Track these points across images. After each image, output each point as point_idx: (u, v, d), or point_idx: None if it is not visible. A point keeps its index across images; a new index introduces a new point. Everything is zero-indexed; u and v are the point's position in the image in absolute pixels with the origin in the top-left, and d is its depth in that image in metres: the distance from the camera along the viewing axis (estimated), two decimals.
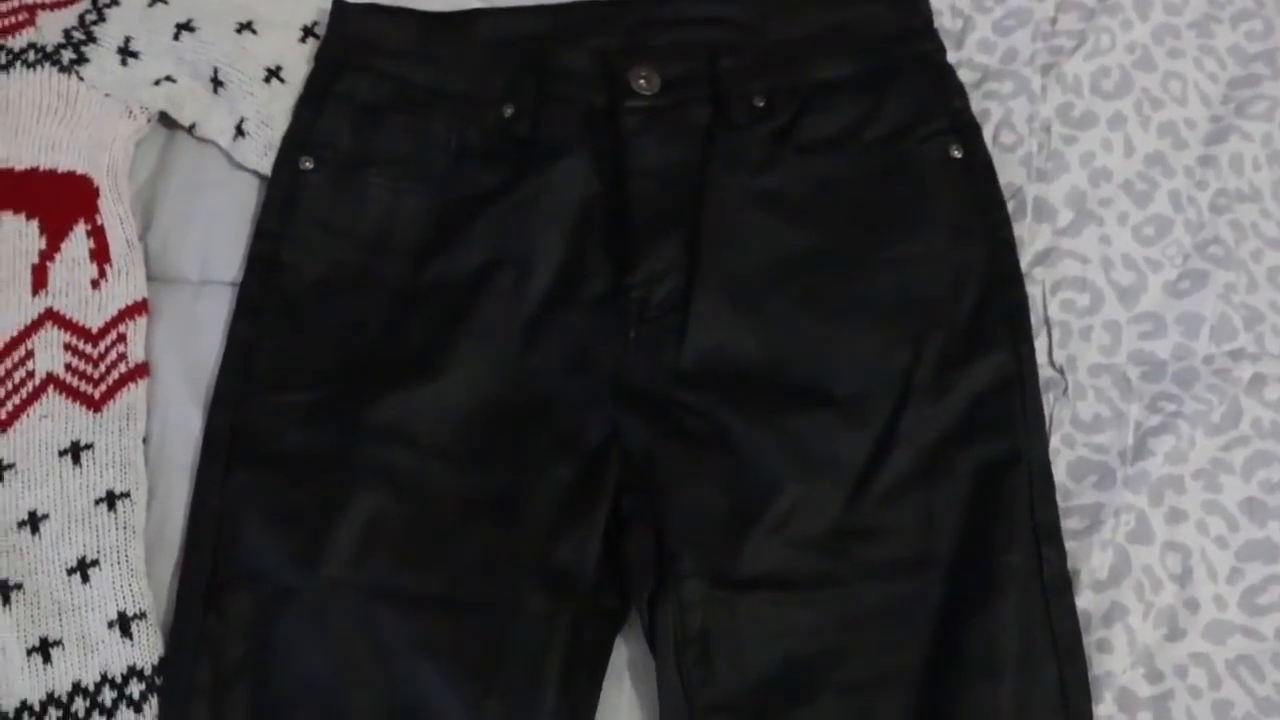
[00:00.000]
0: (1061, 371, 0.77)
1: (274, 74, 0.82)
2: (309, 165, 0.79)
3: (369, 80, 0.81)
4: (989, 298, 0.75)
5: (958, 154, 0.79)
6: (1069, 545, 0.71)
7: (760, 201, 0.78)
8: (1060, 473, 0.74)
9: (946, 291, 0.76)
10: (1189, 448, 0.74)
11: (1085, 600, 0.71)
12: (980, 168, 0.79)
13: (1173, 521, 0.73)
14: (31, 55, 0.82)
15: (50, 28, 0.83)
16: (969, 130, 0.79)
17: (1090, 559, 0.71)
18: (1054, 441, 0.75)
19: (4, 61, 0.82)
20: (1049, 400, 0.75)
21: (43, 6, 0.84)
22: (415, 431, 0.72)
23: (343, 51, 0.82)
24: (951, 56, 0.83)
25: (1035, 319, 0.77)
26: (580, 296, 0.76)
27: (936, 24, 0.84)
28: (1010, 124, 0.82)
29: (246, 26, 0.83)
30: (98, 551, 0.70)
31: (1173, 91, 0.84)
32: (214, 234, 0.80)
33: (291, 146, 0.79)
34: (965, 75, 0.84)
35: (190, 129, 0.82)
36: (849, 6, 0.84)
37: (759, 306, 0.75)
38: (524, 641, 0.68)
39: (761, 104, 0.80)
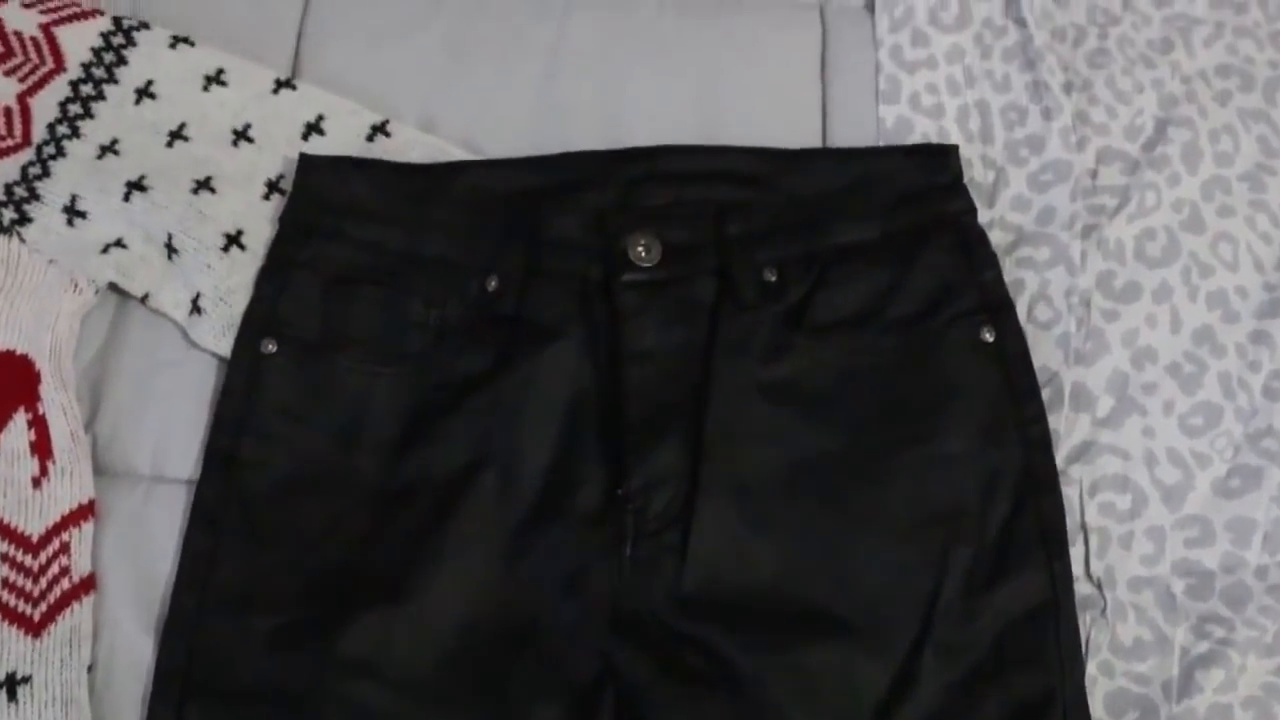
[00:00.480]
0: (1099, 586, 0.70)
1: (234, 240, 0.74)
2: (272, 348, 0.72)
3: (338, 247, 0.74)
4: (1022, 509, 0.68)
5: (989, 337, 0.71)
6: None
7: (771, 395, 0.71)
8: (1097, 706, 0.67)
9: (975, 502, 0.69)
10: (1239, 675, 0.68)
11: None
12: (1014, 354, 0.71)
13: None
14: None
15: None
16: (1002, 309, 0.72)
17: None
18: (1090, 669, 0.68)
19: None
20: (1085, 621, 0.69)
21: None
22: (390, 663, 0.66)
23: (309, 214, 0.74)
24: (983, 215, 0.76)
25: (1071, 524, 0.70)
26: (570, 506, 0.69)
27: (966, 177, 0.76)
28: (1047, 297, 0.75)
29: (204, 185, 0.76)
30: None
31: (1223, 256, 0.77)
32: (169, 422, 0.73)
33: (252, 327, 0.72)
34: (998, 237, 0.76)
35: (143, 300, 0.75)
36: (870, 159, 0.77)
37: (769, 520, 0.68)
38: None
39: (773, 278, 0.73)
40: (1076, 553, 0.70)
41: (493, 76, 0.82)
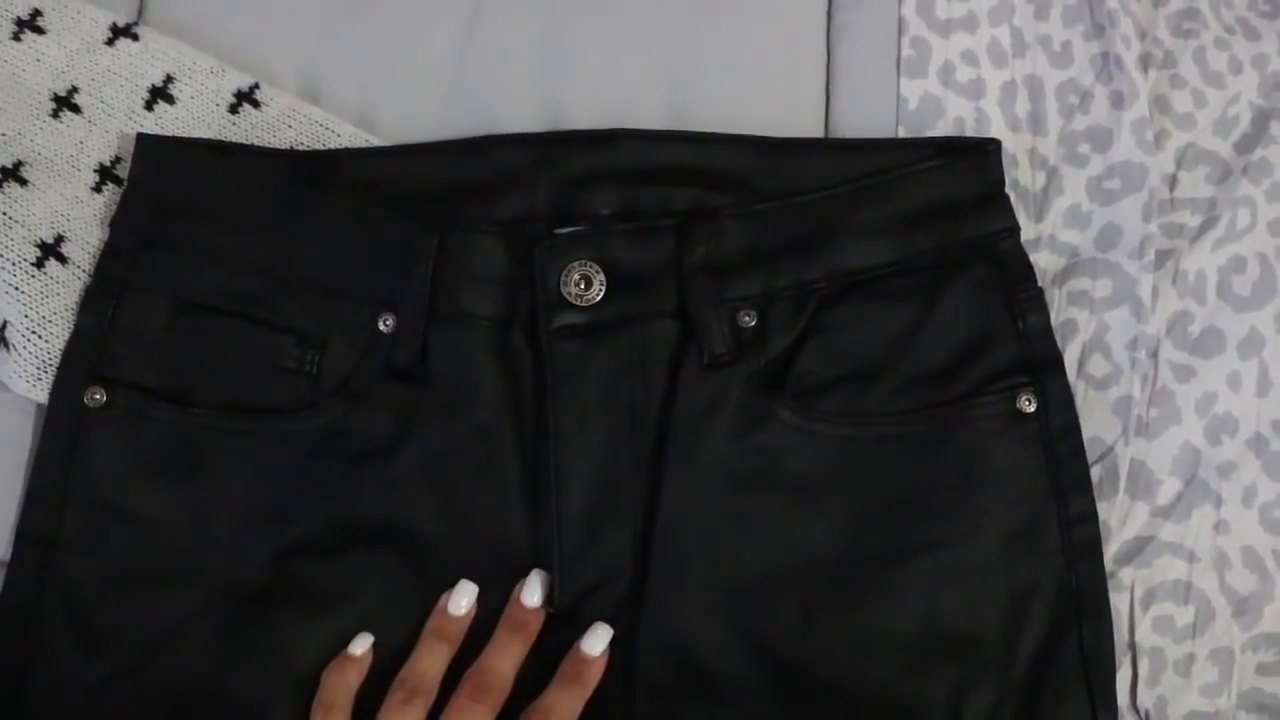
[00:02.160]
0: None
1: (50, 250, 0.58)
2: (100, 399, 0.56)
3: (188, 263, 0.57)
4: (1059, 635, 0.55)
5: (1029, 407, 0.56)
6: None
7: (744, 484, 0.56)
8: None
9: (1001, 626, 0.55)
10: None
11: None
12: (1060, 430, 0.56)
13: None
14: None
15: None
16: (1048, 368, 0.57)
17: None
18: None
19: None
20: None
21: None
22: None
23: (150, 217, 0.58)
24: (1028, 231, 0.60)
25: (1118, 643, 0.57)
26: (490, 623, 0.55)
27: (1009, 180, 0.59)
28: (1104, 346, 0.59)
29: (10, 173, 0.58)
30: None
31: None
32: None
33: (74, 370, 0.56)
34: (1046, 261, 0.61)
35: None
36: (885, 155, 0.60)
37: (737, 644, 0.55)
38: None
39: (751, 322, 0.57)
40: (1123, 678, 0.57)
41: (399, 28, 0.64)
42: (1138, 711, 0.57)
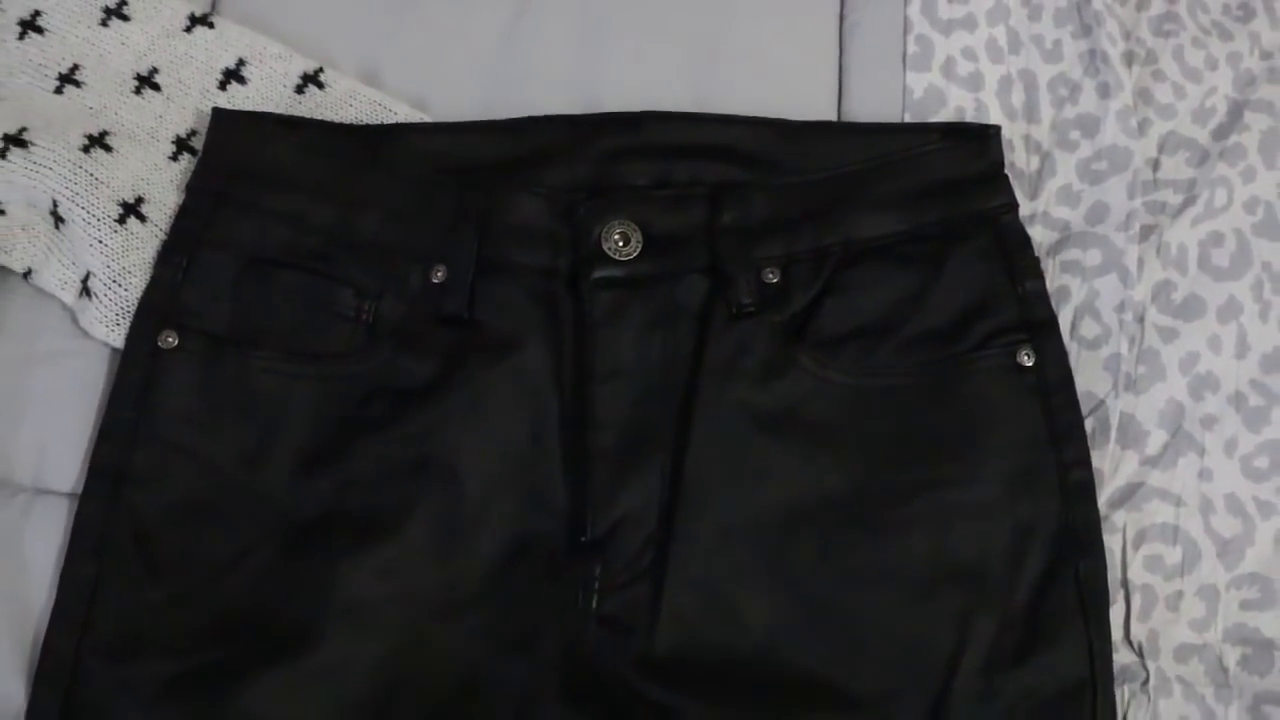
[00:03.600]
0: (1141, 654, 0.61)
1: (131, 210, 0.64)
2: (173, 342, 0.61)
3: (256, 222, 0.63)
4: (1057, 569, 0.60)
5: (1028, 361, 0.62)
6: None
7: (766, 424, 0.61)
8: None
9: (1003, 559, 0.60)
10: None
11: None
12: (1055, 382, 0.62)
13: None
14: None
15: None
16: (1044, 328, 0.63)
17: None
18: None
19: None
20: (1123, 695, 0.61)
21: None
22: None
23: (223, 181, 0.64)
24: (1024, 208, 0.67)
25: (1112, 580, 0.62)
26: (526, 550, 0.60)
27: (1007, 162, 0.66)
28: (1095, 310, 0.65)
29: (97, 141, 0.65)
30: None
31: None
32: (53, 424, 0.63)
33: (150, 316, 0.62)
34: (1040, 235, 0.67)
35: (25, 276, 0.65)
36: (894, 137, 0.67)
37: (760, 573, 0.60)
38: None
39: (774, 279, 0.63)
40: (1116, 613, 0.62)
41: (449, 21, 0.71)
42: (1131, 644, 0.62)
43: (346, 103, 0.68)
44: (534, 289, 0.63)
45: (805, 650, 0.59)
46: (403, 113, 0.68)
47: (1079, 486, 0.61)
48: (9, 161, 0.64)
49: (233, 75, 0.68)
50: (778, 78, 0.70)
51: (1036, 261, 0.64)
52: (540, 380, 0.62)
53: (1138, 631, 0.62)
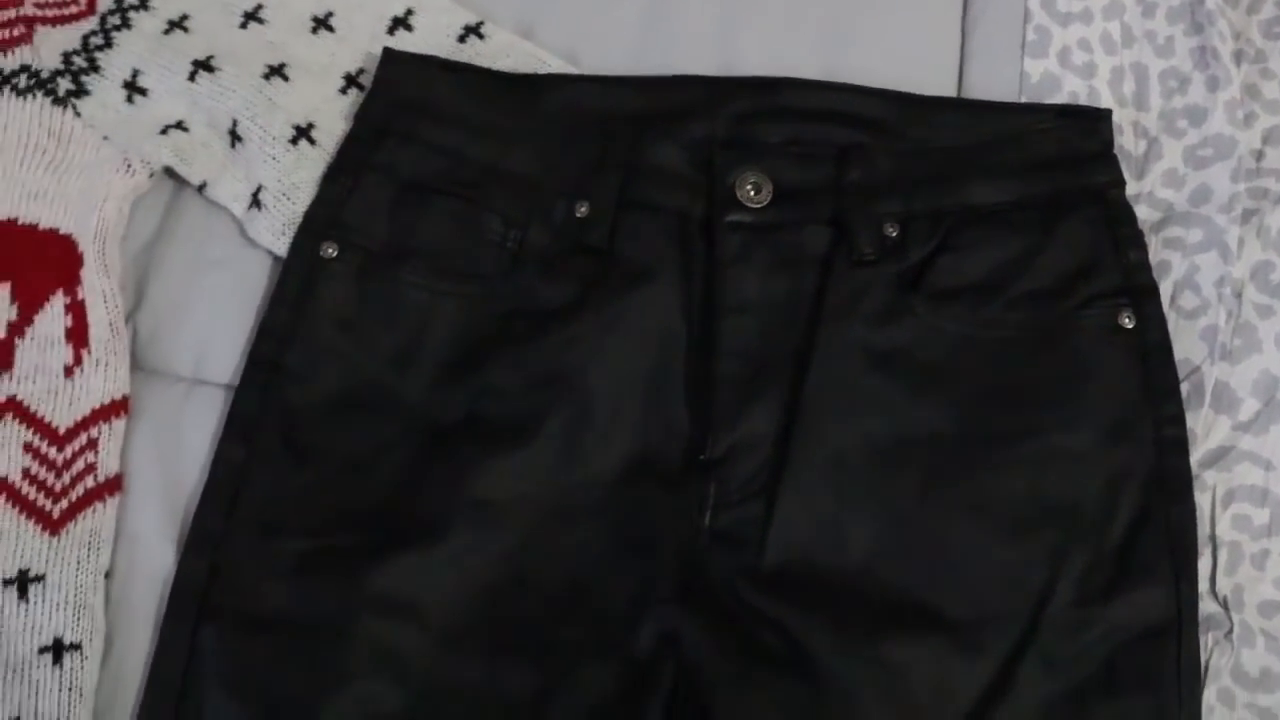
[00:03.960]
0: (1225, 606, 0.64)
1: (303, 133, 0.70)
2: (332, 253, 0.67)
3: (417, 152, 0.69)
4: (1148, 515, 0.63)
5: (1129, 323, 0.66)
6: None
7: (880, 363, 0.65)
8: None
9: (1097, 501, 0.63)
10: None
11: None
12: (1154, 344, 0.66)
13: None
14: (23, 80, 0.71)
15: (48, 47, 0.71)
16: (1145, 294, 0.66)
17: None
18: (1209, 696, 0.63)
19: None
20: (1207, 642, 0.63)
21: (41, 20, 0.72)
22: (427, 606, 0.61)
23: (388, 114, 0.70)
24: (1130, 188, 0.71)
25: (1200, 535, 0.65)
26: (647, 464, 0.64)
27: (1116, 146, 0.70)
28: (1194, 284, 0.69)
29: (277, 71, 0.71)
30: (35, 716, 0.60)
31: None
32: (215, 322, 0.69)
33: (314, 228, 0.68)
34: (1144, 213, 0.71)
35: (200, 189, 0.71)
36: (1011, 115, 0.71)
37: (866, 499, 0.63)
38: None
39: (894, 233, 0.67)
40: (1203, 566, 0.65)
41: None
42: (1216, 596, 0.65)
43: (504, 53, 0.74)
44: (670, 228, 0.68)
45: (904, 573, 0.62)
46: (555, 65, 0.74)
47: (1173, 441, 0.64)
48: (196, 84, 0.71)
49: (400, 23, 0.74)
50: (904, 60, 0.75)
51: (1140, 234, 0.68)
52: (670, 310, 0.66)
53: (1223, 585, 0.65)
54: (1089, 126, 0.70)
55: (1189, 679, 0.61)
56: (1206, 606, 0.64)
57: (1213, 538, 0.65)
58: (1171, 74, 0.74)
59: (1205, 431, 0.67)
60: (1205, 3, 0.74)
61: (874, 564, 0.63)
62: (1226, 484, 0.66)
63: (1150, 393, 0.65)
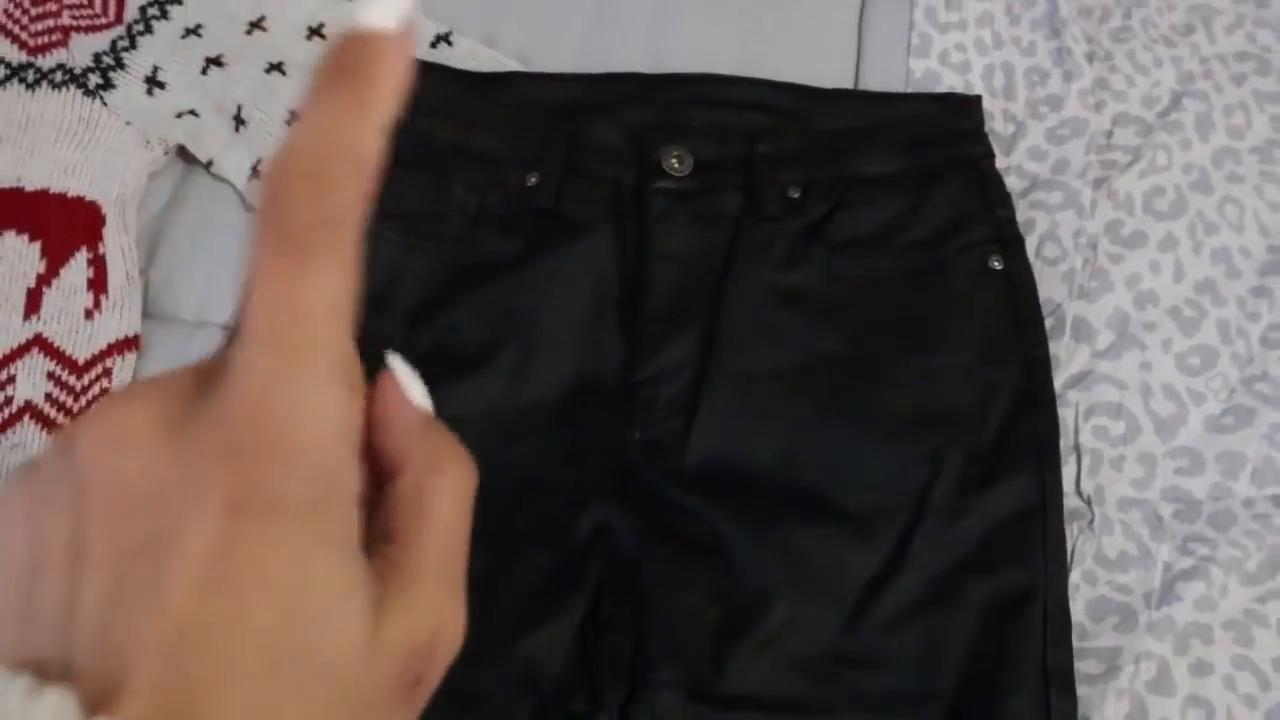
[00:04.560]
0: (1089, 502, 0.73)
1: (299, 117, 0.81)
2: None
3: (393, 135, 0.80)
4: (1017, 420, 0.72)
5: (998, 265, 0.76)
6: (1082, 690, 0.67)
7: (784, 299, 0.75)
8: (1079, 611, 0.70)
9: (973, 410, 0.72)
10: (1220, 596, 0.70)
11: None
12: (1020, 282, 0.76)
13: (1198, 674, 0.69)
14: (59, 76, 0.82)
15: (81, 50, 0.83)
16: (1012, 242, 0.77)
17: (1104, 707, 0.67)
18: (1074, 576, 0.71)
19: (31, 80, 0.82)
20: (1072, 532, 0.72)
21: (77, 29, 0.84)
22: None
23: None
24: (1000, 162, 0.81)
25: (1065, 445, 0.73)
26: (586, 387, 0.73)
27: (987, 127, 0.81)
28: (1056, 237, 0.79)
29: (276, 67, 0.83)
30: None
31: (1229, 217, 0.81)
32: (216, 275, 0.79)
33: None
34: (1013, 182, 0.81)
35: (207, 165, 0.82)
36: (898, 103, 0.83)
37: (772, 411, 0.72)
38: None
39: (796, 195, 0.78)
40: (1068, 471, 0.73)
41: (551, 3, 0.89)
42: (1080, 495, 0.73)
43: (469, 57, 0.86)
44: (606, 194, 0.78)
45: (806, 473, 0.71)
46: (513, 66, 0.85)
47: (1037, 361, 0.73)
48: (208, 77, 0.82)
49: None
50: (809, 56, 0.87)
51: (1008, 195, 0.78)
52: (606, 260, 0.76)
53: (1087, 485, 0.73)
54: (963, 109, 0.81)
55: (1055, 553, 0.69)
56: (1072, 503, 0.72)
57: (1076, 446, 0.74)
58: (1034, 70, 0.86)
59: (1068, 359, 0.76)
60: (1061, 12, 0.86)
61: (780, 466, 0.71)
62: (1087, 401, 0.75)
63: (1017, 322, 0.75)
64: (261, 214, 0.26)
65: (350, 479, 0.28)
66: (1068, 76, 0.84)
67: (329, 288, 0.26)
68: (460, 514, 0.30)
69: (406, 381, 0.32)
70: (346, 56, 0.27)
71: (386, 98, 0.28)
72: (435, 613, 0.28)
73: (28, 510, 0.27)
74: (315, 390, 0.26)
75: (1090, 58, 0.86)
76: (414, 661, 0.28)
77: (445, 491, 0.30)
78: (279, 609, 0.25)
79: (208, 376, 0.27)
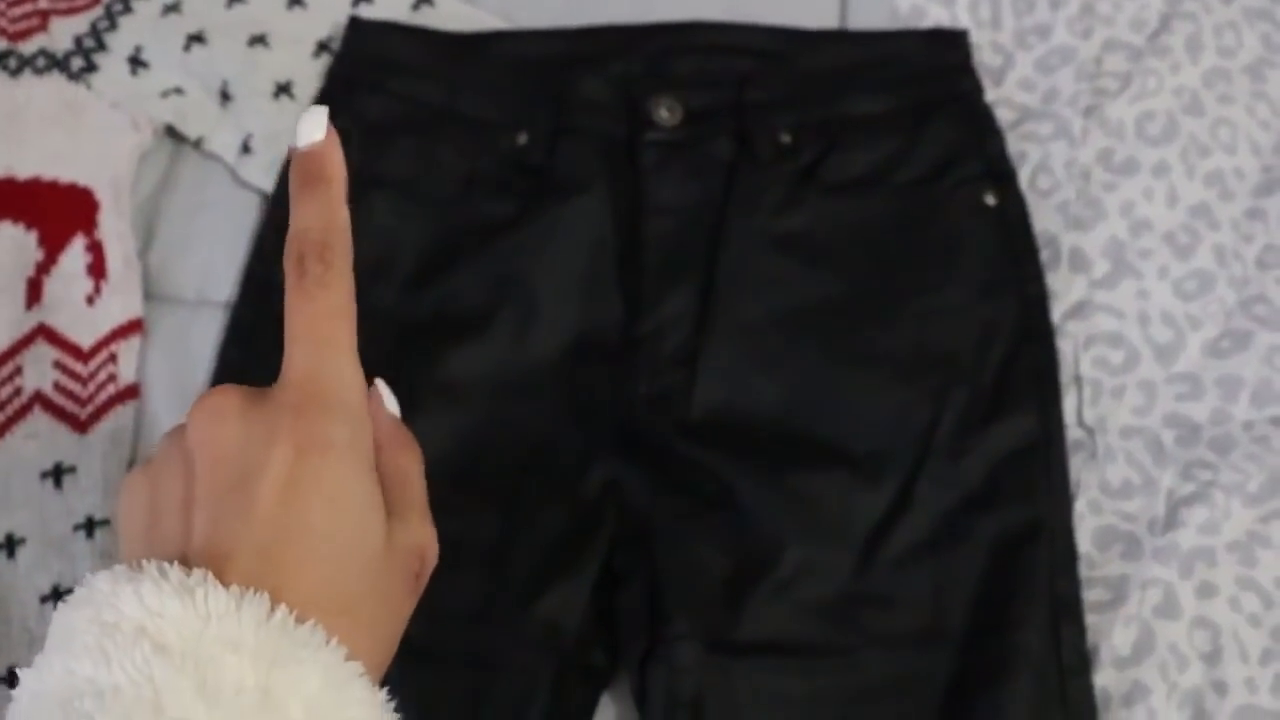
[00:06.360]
0: (1091, 433, 0.71)
1: (284, 89, 0.78)
2: None
3: (380, 100, 0.77)
4: (1016, 356, 0.70)
5: (991, 201, 0.73)
6: (1090, 619, 0.66)
7: (781, 245, 0.72)
8: (1085, 541, 0.68)
9: (972, 348, 0.70)
10: (1223, 519, 0.68)
11: (1105, 678, 0.65)
12: (1014, 217, 0.73)
13: (1203, 596, 0.67)
14: (41, 62, 0.79)
15: (62, 33, 0.79)
16: (1004, 177, 0.74)
17: (1113, 635, 0.66)
18: (1079, 507, 0.69)
19: (14, 67, 0.79)
20: (1076, 463, 0.70)
21: (56, 12, 0.80)
22: None
23: (355, 70, 0.77)
24: (990, 94, 0.78)
25: (1065, 376, 0.71)
26: (587, 345, 0.71)
27: (976, 60, 0.78)
28: (1048, 168, 0.76)
29: (259, 40, 0.79)
30: (73, 581, 0.67)
31: (1222, 139, 0.78)
32: (213, 254, 0.76)
33: None
34: (1003, 114, 0.78)
35: (196, 143, 0.79)
36: (884, 41, 0.79)
37: (773, 358, 0.70)
38: (503, 696, 0.64)
39: (788, 140, 0.75)
40: (1070, 403, 0.71)
41: None
42: (1083, 425, 0.71)
43: (451, 17, 0.82)
44: (598, 149, 0.75)
45: (811, 419, 0.69)
46: (495, 24, 0.82)
47: (1034, 296, 0.71)
48: (191, 54, 0.78)
49: None
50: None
51: (999, 129, 0.75)
52: (601, 216, 0.73)
53: (1089, 415, 0.71)
54: (950, 44, 0.77)
55: (1059, 486, 0.67)
56: (1074, 434, 0.70)
57: (1077, 377, 0.72)
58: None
59: (1065, 290, 0.74)
60: None
61: (784, 413, 0.69)
62: (1086, 332, 0.73)
63: (1013, 257, 0.72)
64: (288, 267, 0.40)
65: (368, 423, 0.40)
66: (1054, 4, 0.81)
67: (339, 302, 0.41)
68: (423, 477, 0.44)
69: (385, 395, 0.46)
70: (306, 165, 0.42)
71: (339, 179, 0.42)
72: (424, 534, 0.42)
73: (148, 483, 0.39)
74: (343, 364, 0.40)
75: None
76: (414, 561, 0.41)
77: (415, 463, 0.43)
78: (332, 513, 0.38)
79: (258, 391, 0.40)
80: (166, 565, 0.35)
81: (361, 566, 0.38)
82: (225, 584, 0.35)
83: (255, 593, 0.35)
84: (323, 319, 0.40)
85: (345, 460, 0.38)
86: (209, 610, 0.34)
